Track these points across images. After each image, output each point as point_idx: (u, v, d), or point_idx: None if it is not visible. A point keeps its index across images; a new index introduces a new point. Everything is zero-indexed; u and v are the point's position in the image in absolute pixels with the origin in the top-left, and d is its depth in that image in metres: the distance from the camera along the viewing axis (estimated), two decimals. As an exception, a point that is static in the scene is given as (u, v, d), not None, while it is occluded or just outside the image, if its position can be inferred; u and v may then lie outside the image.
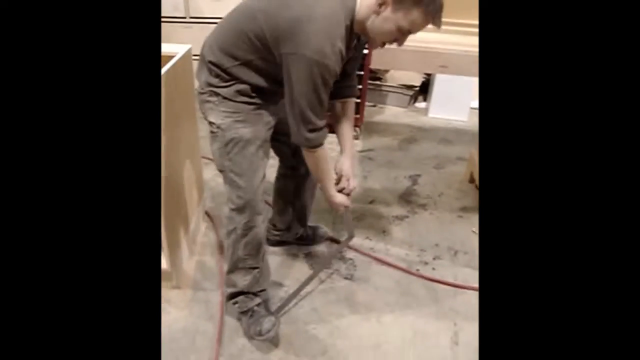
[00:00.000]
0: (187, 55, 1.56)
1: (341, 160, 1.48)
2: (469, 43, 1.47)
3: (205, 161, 2.25)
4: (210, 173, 2.29)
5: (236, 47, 1.23)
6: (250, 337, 1.44)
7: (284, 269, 1.74)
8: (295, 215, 1.74)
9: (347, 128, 1.51)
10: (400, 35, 1.18)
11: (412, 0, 1.11)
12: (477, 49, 1.40)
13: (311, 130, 1.23)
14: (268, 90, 1.30)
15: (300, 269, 1.74)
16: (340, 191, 1.44)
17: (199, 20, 2.92)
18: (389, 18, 1.14)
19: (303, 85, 1.15)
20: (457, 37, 1.52)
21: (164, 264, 1.54)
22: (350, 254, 1.83)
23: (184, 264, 1.68)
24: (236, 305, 1.45)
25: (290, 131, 1.26)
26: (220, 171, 1.36)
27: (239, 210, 1.31)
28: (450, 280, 1.72)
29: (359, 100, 2.64)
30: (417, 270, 1.76)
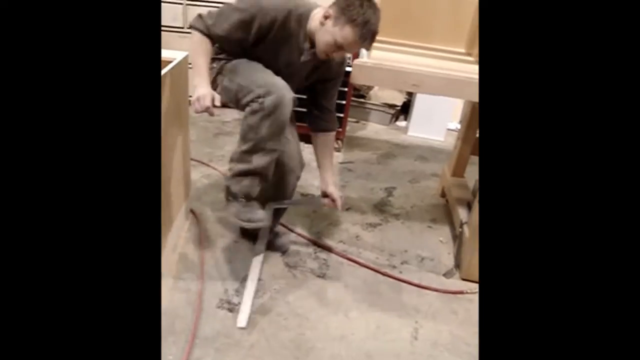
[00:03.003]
0: (184, 62, 1.70)
1: (324, 183, 1.69)
2: (438, 65, 1.64)
3: (193, 163, 2.38)
4: (198, 174, 2.41)
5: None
6: (237, 221, 1.52)
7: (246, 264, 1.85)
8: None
9: (328, 159, 1.68)
10: (336, 49, 1.38)
11: (347, 19, 1.33)
12: (444, 71, 1.57)
13: (199, 17, 1.46)
14: None
15: (277, 265, 1.86)
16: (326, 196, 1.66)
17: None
18: (329, 31, 1.37)
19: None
20: (428, 60, 1.70)
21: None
22: (323, 255, 1.96)
23: (167, 255, 1.79)
24: (238, 187, 1.48)
25: None
26: (235, 101, 1.48)
27: (265, 94, 1.34)
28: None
29: (342, 115, 2.81)
30: (385, 272, 1.90)
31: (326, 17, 1.38)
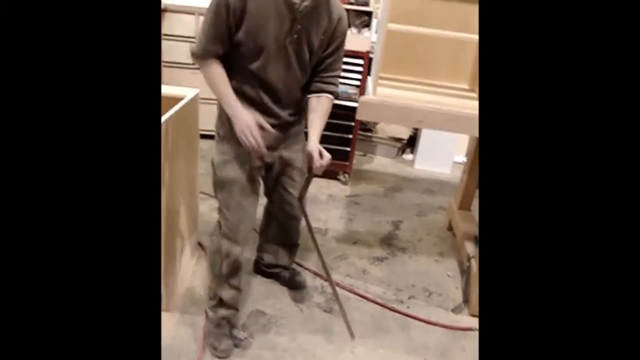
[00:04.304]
0: (195, 98, 1.75)
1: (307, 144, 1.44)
2: (441, 102, 1.68)
3: (202, 196, 2.40)
4: (207, 207, 2.43)
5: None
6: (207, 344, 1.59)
7: (268, 299, 1.84)
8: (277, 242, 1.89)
9: (316, 118, 1.44)
10: None
11: None
12: (448, 107, 1.60)
13: (190, 51, 1.39)
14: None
15: (283, 300, 1.85)
16: (312, 169, 1.42)
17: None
18: None
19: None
20: (432, 97, 1.73)
21: (156, 286, 1.64)
22: (330, 289, 1.94)
23: (174, 289, 1.79)
24: (213, 314, 1.60)
25: None
26: (212, 177, 1.63)
27: (227, 241, 1.52)
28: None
29: (348, 149, 2.84)
30: (393, 307, 1.88)
31: None
